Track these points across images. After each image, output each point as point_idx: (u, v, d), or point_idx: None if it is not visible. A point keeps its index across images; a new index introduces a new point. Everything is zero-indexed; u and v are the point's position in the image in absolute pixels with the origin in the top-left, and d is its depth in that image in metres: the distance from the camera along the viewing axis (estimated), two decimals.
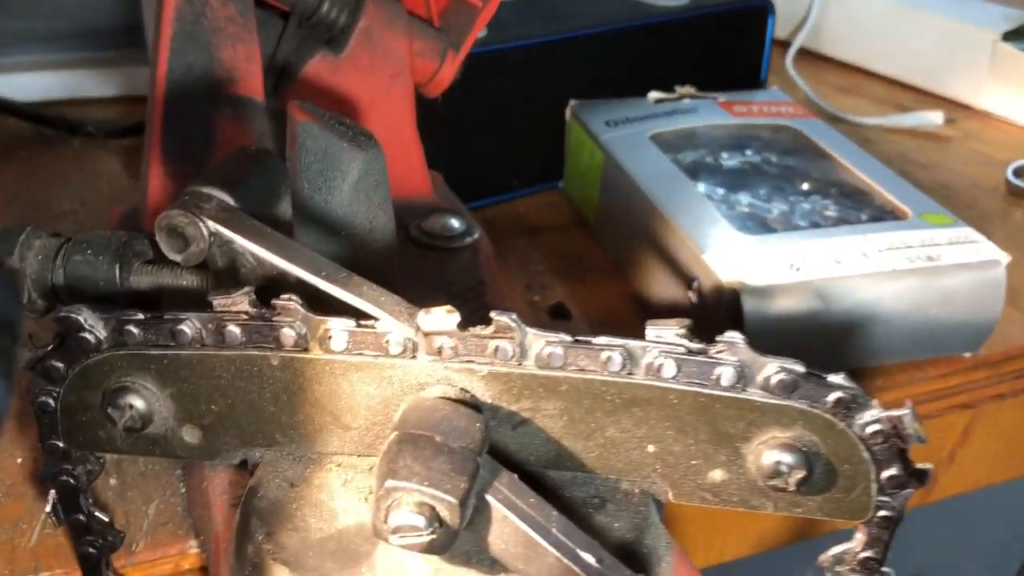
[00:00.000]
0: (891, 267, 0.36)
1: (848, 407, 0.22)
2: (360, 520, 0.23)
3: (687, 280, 0.37)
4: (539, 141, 0.51)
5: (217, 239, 0.23)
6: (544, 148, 0.51)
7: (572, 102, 0.50)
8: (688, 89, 0.50)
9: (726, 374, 0.22)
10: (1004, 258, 0.37)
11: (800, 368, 0.22)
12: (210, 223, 0.23)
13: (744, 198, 0.42)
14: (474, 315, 0.24)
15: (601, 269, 0.45)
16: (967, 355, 0.39)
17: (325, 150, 0.29)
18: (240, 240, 0.23)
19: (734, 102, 0.49)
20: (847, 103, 0.64)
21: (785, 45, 0.69)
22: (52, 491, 0.26)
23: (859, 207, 0.42)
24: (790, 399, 0.22)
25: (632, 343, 0.22)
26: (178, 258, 0.23)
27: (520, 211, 0.51)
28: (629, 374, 0.22)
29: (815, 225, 0.40)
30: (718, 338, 0.22)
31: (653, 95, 0.50)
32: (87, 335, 0.23)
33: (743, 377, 0.22)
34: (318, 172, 0.29)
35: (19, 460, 0.33)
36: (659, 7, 0.52)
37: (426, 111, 0.41)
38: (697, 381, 0.22)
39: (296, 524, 0.23)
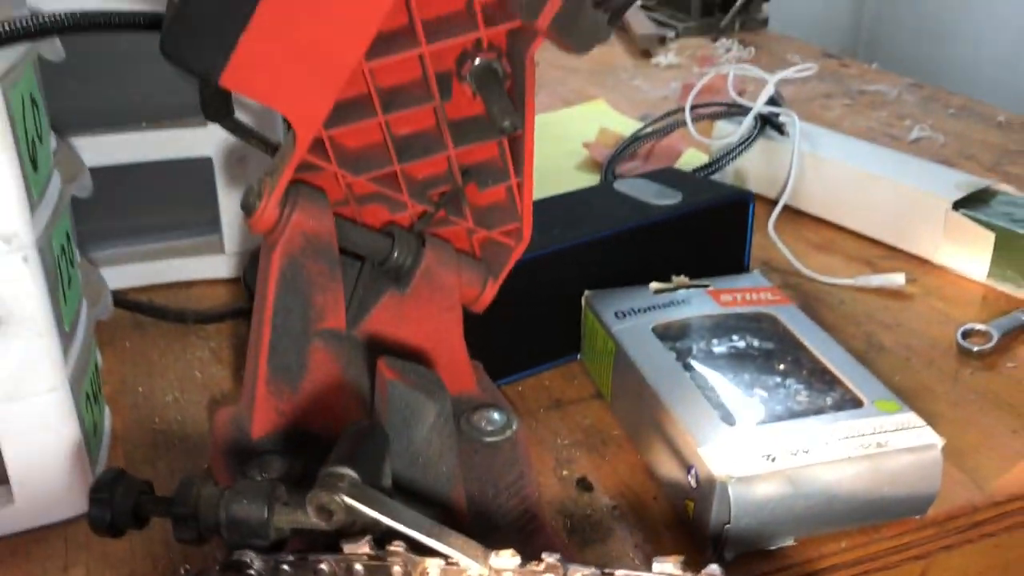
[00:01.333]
0: (847, 455, 0.45)
1: None
2: None
3: (687, 466, 0.47)
4: (559, 323, 0.61)
5: (349, 508, 0.32)
6: (563, 328, 0.61)
7: (586, 292, 0.60)
8: (683, 279, 0.60)
9: None
10: (939, 441, 0.47)
11: None
12: (346, 499, 0.32)
13: (732, 388, 0.51)
14: (521, 514, 0.33)
15: (617, 443, 0.55)
16: (917, 517, 0.48)
17: (407, 403, 0.39)
18: (365, 510, 0.32)
19: (721, 291, 0.59)
20: (822, 261, 0.74)
21: (767, 202, 0.80)
22: None
23: (825, 391, 0.51)
24: None
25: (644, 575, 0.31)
26: (324, 526, 0.33)
27: (545, 383, 0.60)
28: None
29: (790, 410, 0.49)
30: (703, 572, 0.31)
31: (654, 286, 0.60)
32: (252, 572, 0.32)
33: None
34: (401, 419, 0.39)
35: None
36: (656, 206, 0.63)
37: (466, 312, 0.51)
38: None
39: None
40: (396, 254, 0.47)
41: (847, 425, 0.47)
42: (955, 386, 0.60)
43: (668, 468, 0.49)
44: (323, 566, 0.31)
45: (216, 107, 0.46)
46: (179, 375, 0.61)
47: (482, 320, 0.56)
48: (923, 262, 0.75)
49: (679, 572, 0.31)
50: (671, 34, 1.39)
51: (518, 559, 0.31)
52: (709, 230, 0.65)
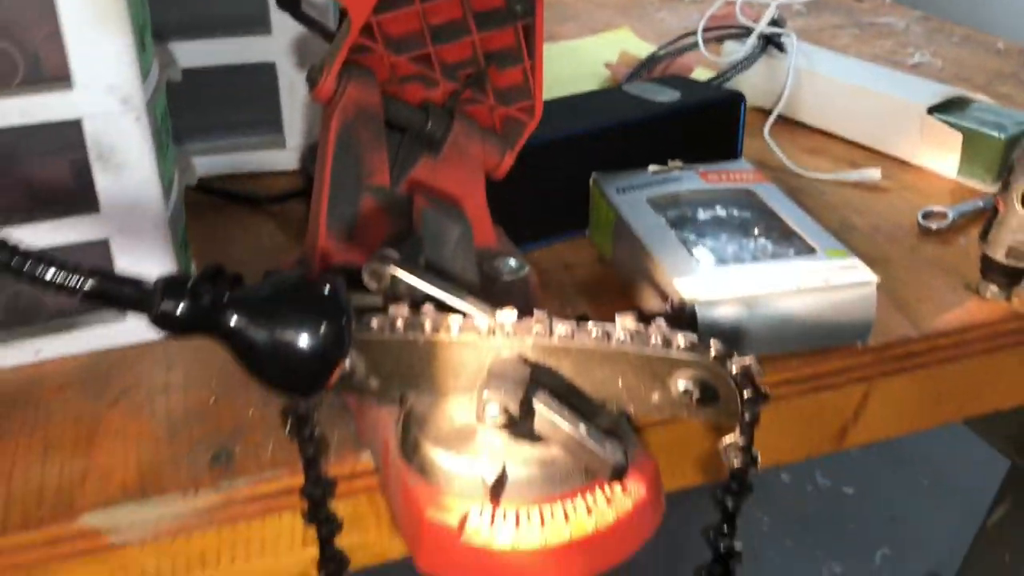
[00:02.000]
0: (797, 287, 0.56)
1: (721, 359, 0.42)
2: (467, 420, 0.43)
3: (664, 297, 0.57)
4: (571, 201, 0.71)
5: (393, 278, 0.43)
6: (575, 206, 0.71)
7: (594, 174, 0.70)
8: (677, 163, 0.70)
9: (656, 341, 0.41)
10: (874, 279, 0.57)
11: (694, 338, 0.41)
12: (391, 268, 0.43)
13: (709, 242, 0.61)
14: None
15: (614, 292, 0.65)
16: (859, 345, 0.58)
17: (437, 223, 0.50)
18: (407, 277, 0.43)
19: (710, 172, 0.69)
20: (812, 162, 0.84)
21: (767, 113, 0.89)
22: (290, 418, 0.47)
23: (789, 246, 0.61)
24: (691, 355, 0.42)
25: (608, 325, 0.42)
26: (374, 288, 0.44)
27: (558, 252, 0.71)
28: (607, 342, 0.42)
29: (755, 259, 0.60)
30: (652, 322, 0.41)
31: (652, 168, 0.70)
32: None
33: (667, 343, 0.42)
34: (433, 237, 0.50)
35: (213, 400, 0.54)
36: (656, 103, 0.73)
37: (492, 185, 0.61)
38: (641, 344, 0.42)
39: (433, 423, 0.43)
40: (431, 126, 0.58)
41: (799, 264, 0.57)
42: (911, 255, 0.69)
43: (652, 303, 0.60)
44: (374, 322, 0.43)
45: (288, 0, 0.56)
46: (250, 244, 0.73)
47: (506, 194, 0.66)
48: (902, 163, 0.84)
49: (634, 323, 0.41)
50: None
51: (516, 312, 0.42)
52: (704, 124, 0.75)
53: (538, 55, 0.58)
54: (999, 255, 0.61)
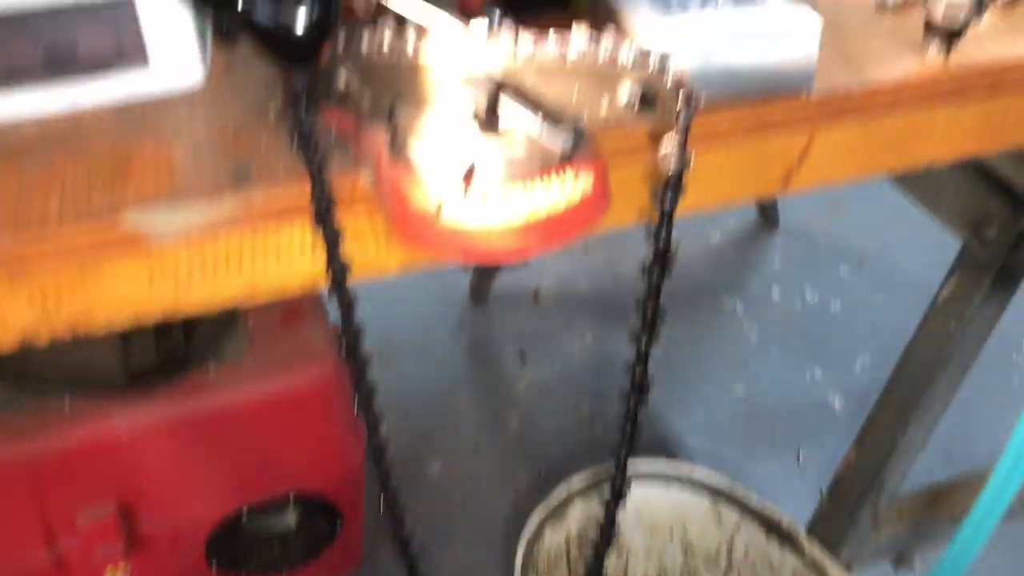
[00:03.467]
0: (740, 30, 0.62)
1: (660, 69, 0.49)
2: (445, 124, 0.51)
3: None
4: None
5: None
6: None
7: None
8: None
9: (605, 51, 0.49)
10: (818, 21, 0.63)
11: (640, 49, 0.48)
12: None
13: None
14: None
15: None
16: (803, 94, 0.65)
17: None
18: None
19: None
20: None
21: None
22: (296, 133, 0.55)
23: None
24: (634, 65, 0.49)
25: (567, 36, 0.49)
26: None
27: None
28: (565, 54, 0.49)
29: (703, 4, 0.65)
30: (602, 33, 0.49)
31: None
32: None
33: (614, 56, 0.49)
34: None
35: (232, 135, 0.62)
36: None
37: None
38: (593, 56, 0.49)
39: (416, 128, 0.51)
40: None
41: (750, 11, 0.63)
42: (865, 24, 0.75)
43: None
44: (363, 42, 0.50)
45: None
46: None
47: None
48: None
49: (588, 38, 0.49)
50: None
51: (486, 22, 0.49)
52: None
53: None
54: (937, 16, 0.67)
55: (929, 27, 0.69)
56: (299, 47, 0.41)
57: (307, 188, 0.57)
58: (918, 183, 1.05)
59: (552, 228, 0.50)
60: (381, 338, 1.94)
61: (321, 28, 0.40)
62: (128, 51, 0.67)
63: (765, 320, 2.10)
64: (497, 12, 0.47)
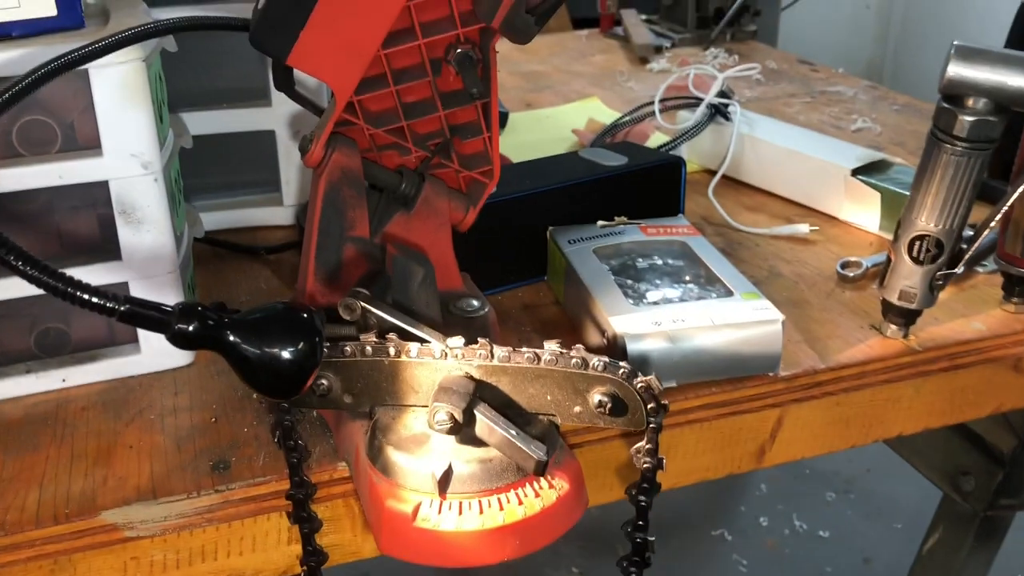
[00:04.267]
0: (712, 322, 0.65)
1: (629, 376, 0.51)
2: (423, 428, 0.52)
3: (602, 332, 0.67)
4: (532, 250, 0.81)
5: (364, 310, 0.53)
6: (535, 255, 0.81)
7: (551, 228, 0.81)
8: (623, 218, 0.80)
9: (575, 362, 0.51)
10: (780, 317, 0.66)
11: (607, 359, 0.51)
12: (361, 303, 0.53)
13: (643, 286, 0.71)
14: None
15: (565, 330, 0.75)
16: (771, 375, 0.68)
17: (404, 266, 0.60)
18: (373, 310, 0.53)
19: (650, 226, 0.79)
20: (751, 218, 0.94)
21: (713, 174, 1.00)
22: (278, 430, 0.56)
23: (712, 290, 0.71)
24: (604, 373, 0.51)
25: (538, 350, 0.51)
26: (347, 318, 0.53)
27: (519, 296, 0.81)
28: (537, 363, 0.52)
29: (682, 300, 0.69)
30: (573, 346, 0.51)
31: (600, 223, 0.80)
32: None
33: (584, 364, 0.51)
34: (401, 278, 0.60)
35: (213, 420, 0.63)
36: (606, 166, 0.83)
37: (460, 237, 0.71)
38: (564, 365, 0.51)
39: (394, 430, 0.53)
40: (404, 186, 0.68)
41: (716, 304, 0.67)
42: (827, 300, 0.79)
43: (593, 337, 0.69)
44: (347, 347, 0.52)
45: (283, 80, 0.67)
46: (249, 288, 0.83)
47: (474, 245, 0.77)
48: (831, 218, 0.94)
49: (559, 348, 0.51)
50: (667, 44, 1.59)
51: (462, 339, 0.51)
52: (649, 185, 0.85)
53: (494, 128, 0.68)
54: (893, 298, 0.71)
55: (887, 307, 0.72)
56: (286, 382, 0.43)
57: (286, 481, 0.58)
58: None
59: (529, 532, 0.50)
60: (360, 565, 1.88)
61: (305, 368, 0.43)
62: (119, 335, 0.70)
63: (755, 550, 2.06)
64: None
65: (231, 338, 0.42)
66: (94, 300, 0.40)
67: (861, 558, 2.06)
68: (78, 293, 0.40)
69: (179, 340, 0.42)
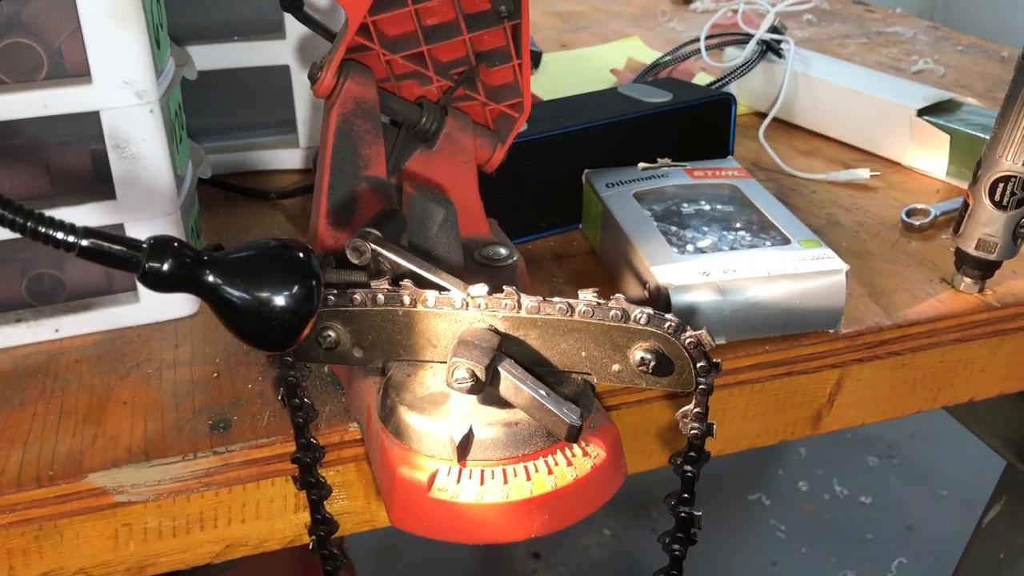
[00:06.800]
0: (768, 273, 0.58)
1: (676, 331, 0.44)
2: (441, 387, 0.46)
3: (643, 283, 0.60)
4: (565, 196, 0.74)
5: (374, 252, 0.47)
6: (568, 200, 0.75)
7: (586, 171, 0.74)
8: (666, 160, 0.73)
9: (615, 313, 0.44)
10: (844, 267, 0.59)
11: (651, 311, 0.44)
12: (371, 245, 0.47)
13: (689, 233, 0.64)
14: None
15: (601, 280, 0.68)
16: (831, 331, 0.61)
17: (422, 207, 0.53)
18: (385, 252, 0.47)
19: (696, 168, 0.72)
20: (805, 163, 0.86)
21: (764, 116, 0.92)
22: (282, 387, 0.50)
23: (766, 237, 0.64)
24: (647, 327, 0.44)
25: (571, 300, 0.45)
26: (356, 262, 0.47)
27: (551, 244, 0.74)
28: (570, 315, 0.45)
29: (733, 249, 0.62)
30: (612, 296, 0.44)
31: (641, 165, 0.73)
32: None
33: (624, 316, 0.45)
34: (419, 220, 0.53)
35: (216, 375, 0.58)
36: (648, 103, 0.76)
37: (487, 180, 0.65)
38: (601, 317, 0.45)
39: (409, 389, 0.47)
40: (425, 119, 0.61)
41: (771, 253, 0.60)
42: (892, 250, 0.72)
43: (633, 289, 0.63)
44: (356, 295, 0.46)
45: (291, 1, 0.60)
46: (260, 234, 0.77)
47: (502, 189, 0.70)
48: (893, 163, 0.86)
49: (596, 298, 0.44)
50: None
51: (487, 288, 0.45)
52: (695, 125, 0.78)
53: (525, 54, 0.61)
54: (970, 247, 0.63)
55: (961, 258, 0.65)
56: (279, 332, 0.37)
57: (291, 443, 0.52)
58: None
59: (559, 506, 0.44)
60: (387, 535, 1.84)
61: (300, 315, 0.36)
62: (117, 283, 0.64)
63: (793, 515, 1.99)
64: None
65: (211, 279, 0.36)
66: (47, 232, 0.34)
67: (904, 525, 1.99)
68: (28, 223, 0.34)
69: (151, 281, 0.36)
